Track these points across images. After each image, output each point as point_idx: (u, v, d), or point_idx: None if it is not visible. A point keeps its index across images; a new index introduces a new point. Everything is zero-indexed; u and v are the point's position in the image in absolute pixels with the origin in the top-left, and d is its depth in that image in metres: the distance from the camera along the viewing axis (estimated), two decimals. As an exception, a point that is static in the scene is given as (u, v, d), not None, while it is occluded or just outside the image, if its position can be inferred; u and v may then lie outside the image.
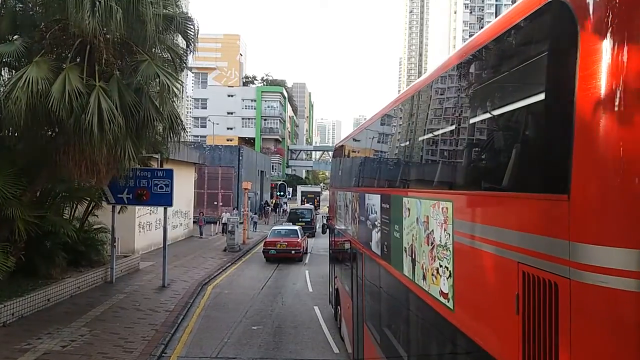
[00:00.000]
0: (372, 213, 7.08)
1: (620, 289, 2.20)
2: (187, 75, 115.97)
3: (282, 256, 21.92)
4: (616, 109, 2.27)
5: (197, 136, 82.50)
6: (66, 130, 11.11)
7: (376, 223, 6.76)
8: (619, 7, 2.29)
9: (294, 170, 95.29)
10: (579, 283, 2.35)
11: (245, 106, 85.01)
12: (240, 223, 27.72)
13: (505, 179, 3.17)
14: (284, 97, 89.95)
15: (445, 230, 3.98)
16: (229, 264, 21.44)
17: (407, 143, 5.69)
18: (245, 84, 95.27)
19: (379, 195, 6.61)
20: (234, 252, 24.63)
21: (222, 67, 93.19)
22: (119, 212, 16.81)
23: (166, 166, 25.64)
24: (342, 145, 11.83)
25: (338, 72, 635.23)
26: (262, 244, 23.89)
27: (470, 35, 3.43)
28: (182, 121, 13.56)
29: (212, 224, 32.84)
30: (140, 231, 22.49)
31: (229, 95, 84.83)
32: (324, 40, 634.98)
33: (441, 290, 4.06)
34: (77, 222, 16.58)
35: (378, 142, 7.89)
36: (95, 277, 15.62)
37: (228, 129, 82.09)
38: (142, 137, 12.50)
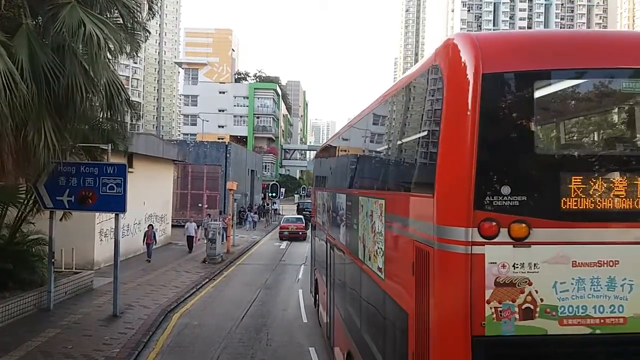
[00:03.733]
0: (340, 209, 8.41)
1: (456, 252, 3.66)
2: (179, 72, 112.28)
3: (293, 236, 32.14)
4: (462, 144, 3.67)
5: (187, 134, 79.39)
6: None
7: (343, 217, 8.01)
8: (466, 74, 3.72)
9: (288, 170, 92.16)
10: (437, 250, 3.79)
11: (237, 103, 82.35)
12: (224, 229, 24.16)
13: (412, 185, 4.60)
14: (278, 95, 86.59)
15: (380, 220, 5.33)
16: (206, 280, 17.80)
17: (362, 155, 7.39)
18: (237, 80, 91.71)
19: (345, 195, 7.91)
20: (214, 263, 21.06)
21: (213, 62, 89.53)
22: (61, 219, 13.22)
23: (137, 163, 22.00)
24: (323, 149, 13.52)
25: (333, 71, 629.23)
26: (279, 227, 34.87)
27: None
28: (127, 94, 9.87)
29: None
30: (101, 240, 18.92)
31: (220, 92, 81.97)
32: (319, 38, 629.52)
33: (378, 266, 5.41)
34: (8, 231, 13.09)
35: (342, 153, 9.38)
36: (25, 303, 12.02)
37: (219, 126, 79.36)
38: (67, 116, 8.84)
